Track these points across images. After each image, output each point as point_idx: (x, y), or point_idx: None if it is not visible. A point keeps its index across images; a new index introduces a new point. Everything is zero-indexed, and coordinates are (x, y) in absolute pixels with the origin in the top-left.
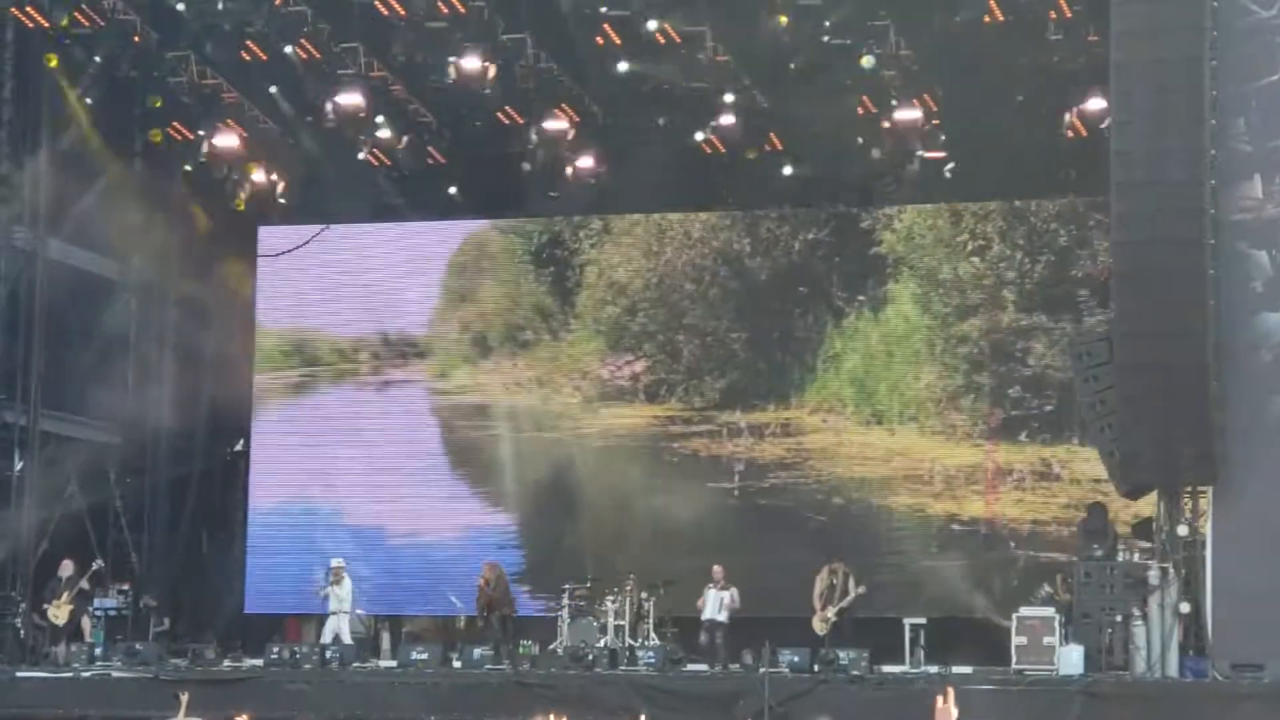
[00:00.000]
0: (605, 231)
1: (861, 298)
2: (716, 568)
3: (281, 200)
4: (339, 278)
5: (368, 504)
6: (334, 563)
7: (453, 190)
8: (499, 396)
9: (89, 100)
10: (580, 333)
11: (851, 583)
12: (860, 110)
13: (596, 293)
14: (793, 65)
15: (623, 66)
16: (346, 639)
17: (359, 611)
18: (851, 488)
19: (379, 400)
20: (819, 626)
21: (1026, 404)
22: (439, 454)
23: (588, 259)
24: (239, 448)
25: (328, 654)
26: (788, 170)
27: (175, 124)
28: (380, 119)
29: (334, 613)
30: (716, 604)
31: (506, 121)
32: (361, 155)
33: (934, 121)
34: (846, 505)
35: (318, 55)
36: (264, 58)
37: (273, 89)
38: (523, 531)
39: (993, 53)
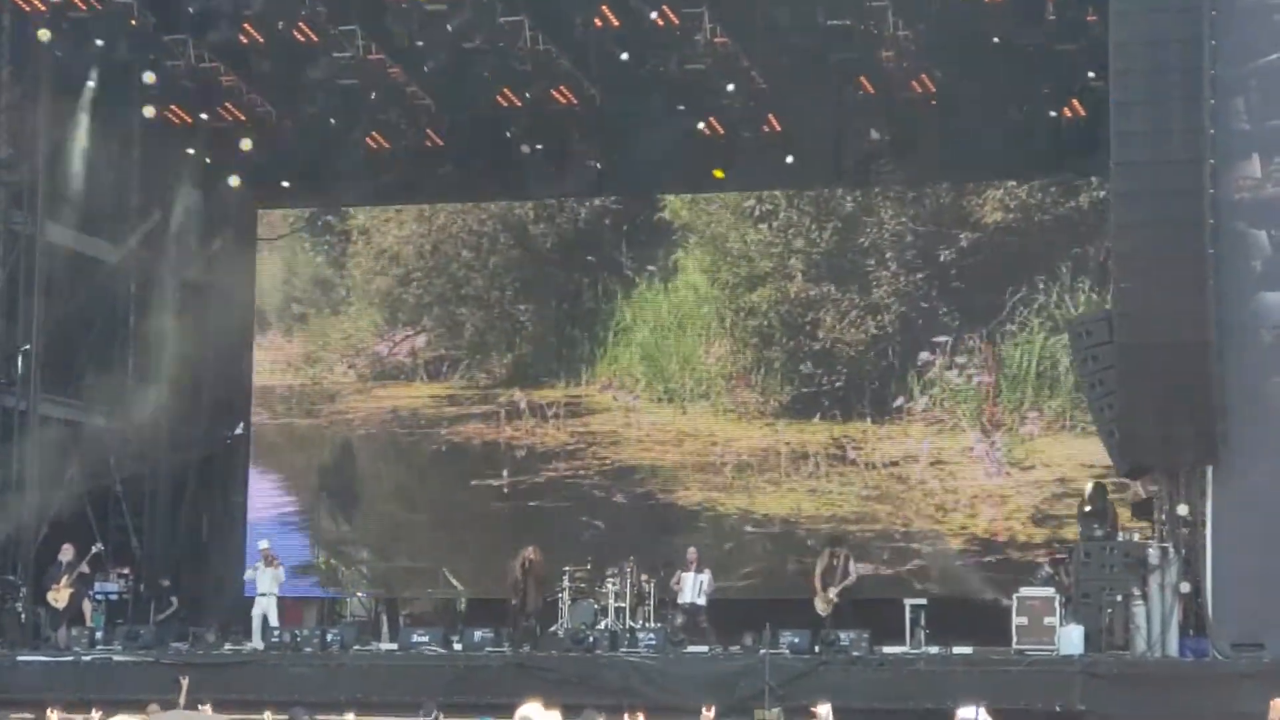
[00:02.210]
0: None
1: (651, 267)
2: (691, 550)
3: (286, 184)
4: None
5: None
6: (262, 545)
7: (450, 172)
8: (270, 376)
9: (90, 83)
10: (356, 305)
11: (852, 564)
12: (859, 91)
13: (366, 261)
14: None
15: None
16: (274, 621)
17: (359, 595)
18: (637, 479)
19: None
20: (821, 607)
21: (817, 380)
22: None
23: (356, 224)
24: (239, 431)
25: (329, 637)
26: (790, 158)
27: (174, 107)
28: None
29: (263, 594)
30: (695, 587)
31: (505, 104)
32: (360, 138)
33: (932, 102)
34: (629, 504)
35: (315, 38)
36: (261, 40)
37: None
38: (304, 519)
39: (991, 33)
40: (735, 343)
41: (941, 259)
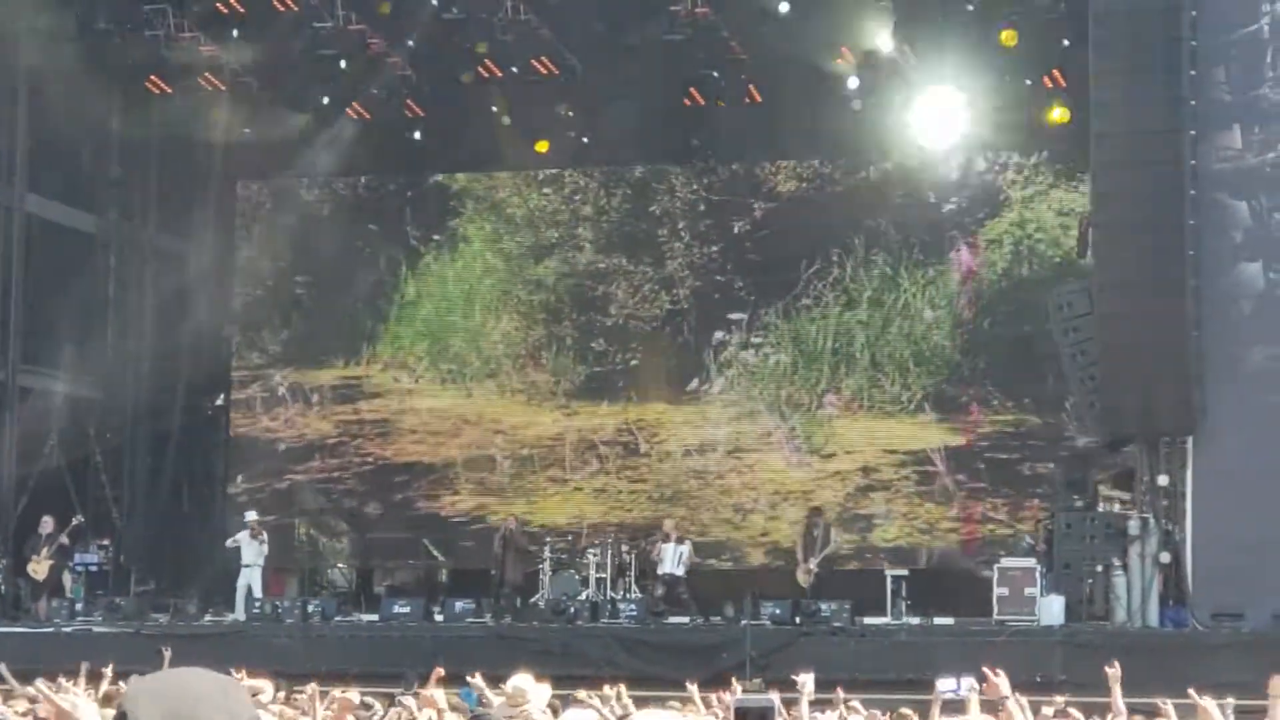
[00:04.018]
0: None
1: (437, 237)
2: (668, 521)
3: (261, 153)
4: None
5: None
6: (250, 517)
7: (429, 143)
8: None
9: (67, 53)
10: None
11: (833, 533)
12: (840, 61)
13: None
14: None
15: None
16: (258, 592)
17: (339, 565)
18: (399, 482)
19: None
20: (802, 578)
21: (611, 358)
22: None
23: None
24: (220, 402)
25: (310, 608)
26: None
27: (153, 77)
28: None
29: (248, 565)
30: (675, 558)
31: (486, 75)
32: (340, 108)
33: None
34: (383, 516)
35: (296, 8)
36: (242, 11)
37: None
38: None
39: (971, 2)
40: (523, 319)
41: (736, 230)
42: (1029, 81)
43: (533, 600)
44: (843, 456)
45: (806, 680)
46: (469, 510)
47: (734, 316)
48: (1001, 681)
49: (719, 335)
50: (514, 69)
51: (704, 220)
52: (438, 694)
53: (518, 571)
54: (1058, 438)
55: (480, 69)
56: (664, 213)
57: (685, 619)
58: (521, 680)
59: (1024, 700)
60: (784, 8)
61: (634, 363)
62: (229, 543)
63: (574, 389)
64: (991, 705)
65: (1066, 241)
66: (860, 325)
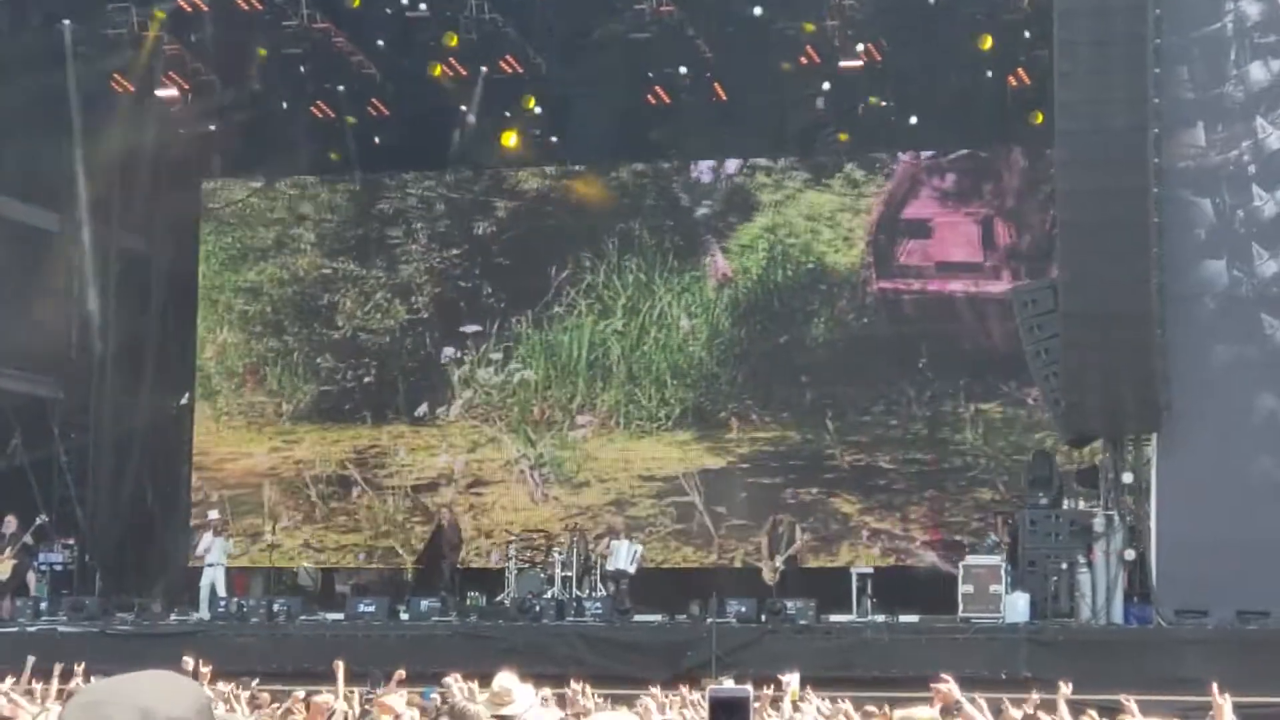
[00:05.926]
0: None
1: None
2: (618, 520)
3: (229, 154)
4: None
5: None
6: (212, 515)
7: (394, 143)
8: None
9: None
10: None
11: (797, 531)
12: (804, 60)
13: None
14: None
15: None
16: (222, 591)
17: (305, 565)
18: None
19: None
20: (768, 576)
21: (341, 377)
22: None
23: None
24: (184, 401)
25: (275, 607)
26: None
27: (116, 74)
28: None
29: (212, 564)
30: (629, 555)
31: (451, 73)
32: (303, 108)
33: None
34: None
35: (259, 6)
36: (205, 9)
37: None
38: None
39: (937, 2)
40: (241, 331)
41: (479, 232)
42: (990, 73)
43: (498, 599)
44: (595, 486)
45: (792, 680)
46: None
47: (473, 329)
48: (951, 687)
49: (448, 352)
50: (481, 67)
51: (442, 220)
52: (396, 699)
53: (443, 563)
54: (819, 456)
55: (445, 66)
56: (396, 211)
57: (657, 617)
58: (506, 679)
59: (981, 702)
60: (757, 11)
61: (368, 380)
62: (198, 549)
63: (299, 411)
64: (949, 710)
65: (818, 247)
66: (616, 335)
